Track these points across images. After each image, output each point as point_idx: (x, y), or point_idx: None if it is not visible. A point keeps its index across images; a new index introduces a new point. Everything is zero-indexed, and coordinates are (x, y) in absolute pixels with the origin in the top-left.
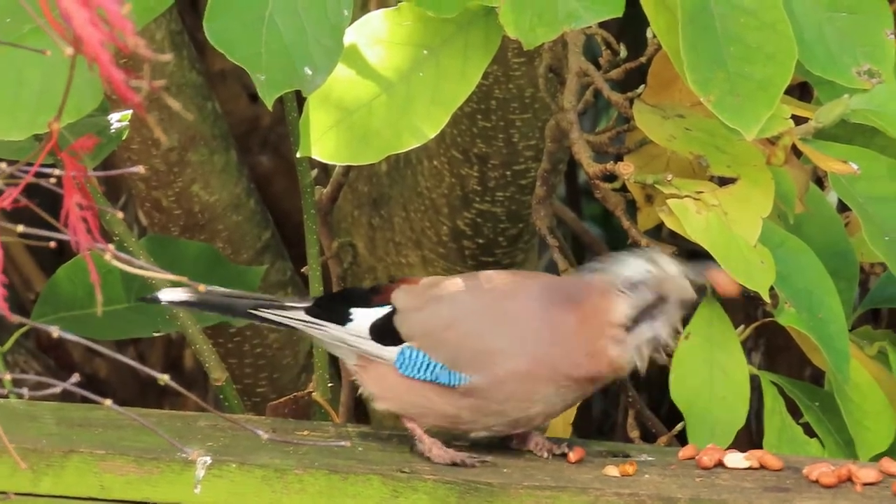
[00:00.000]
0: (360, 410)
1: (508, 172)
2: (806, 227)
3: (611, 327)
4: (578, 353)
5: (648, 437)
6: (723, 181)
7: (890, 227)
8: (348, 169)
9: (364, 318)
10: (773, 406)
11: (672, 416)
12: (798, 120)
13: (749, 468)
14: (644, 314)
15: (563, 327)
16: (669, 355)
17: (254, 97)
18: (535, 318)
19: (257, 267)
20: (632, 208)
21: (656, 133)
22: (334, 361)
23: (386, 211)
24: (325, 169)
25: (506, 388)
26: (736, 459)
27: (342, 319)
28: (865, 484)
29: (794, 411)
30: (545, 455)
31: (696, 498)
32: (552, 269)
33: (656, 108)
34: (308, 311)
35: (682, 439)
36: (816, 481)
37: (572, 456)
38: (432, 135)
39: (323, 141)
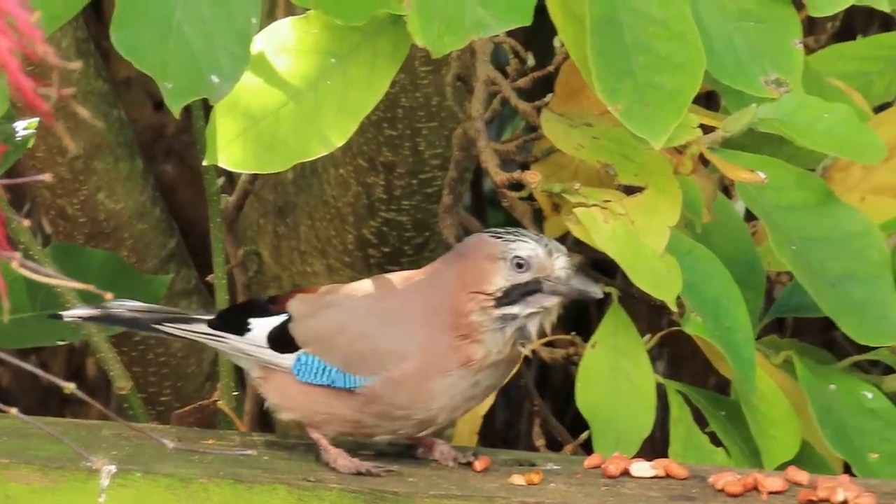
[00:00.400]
0: (264, 419)
1: (415, 181)
2: (713, 236)
3: (482, 293)
4: (448, 312)
5: (554, 445)
6: (630, 190)
7: (797, 237)
8: (254, 177)
9: (262, 327)
10: (679, 415)
11: (577, 424)
12: (706, 129)
13: (655, 477)
14: (517, 294)
15: (443, 282)
16: (530, 349)
17: (159, 105)
18: (417, 310)
19: (163, 276)
20: (539, 217)
21: (564, 142)
22: (239, 370)
23: (291, 219)
24: (231, 177)
25: (403, 388)
26: (642, 468)
27: (241, 330)
28: (771, 493)
29: (700, 420)
30: (450, 464)
31: None
32: None
33: (564, 117)
34: (210, 323)
35: (587, 448)
36: (722, 490)
37: (478, 465)
38: (340, 143)
39: (230, 149)
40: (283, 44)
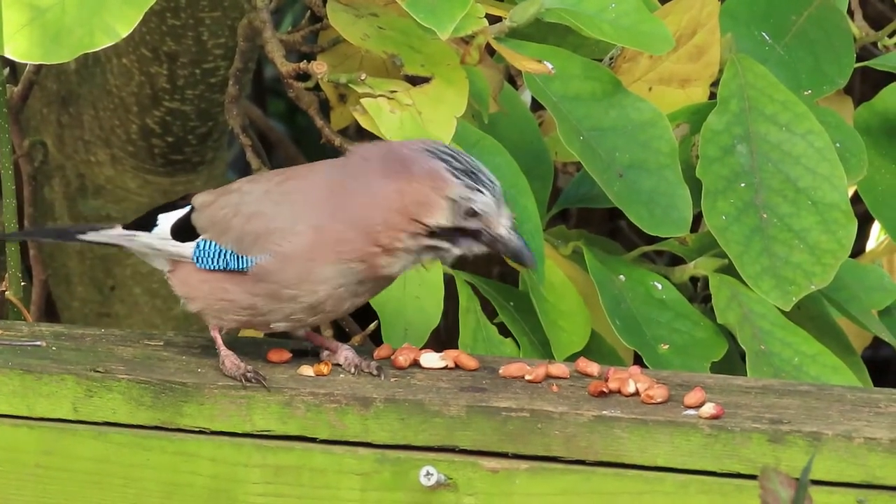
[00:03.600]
0: (51, 310)
1: (198, 71)
2: (500, 127)
3: (417, 223)
4: (377, 223)
5: (342, 336)
6: (416, 80)
7: (584, 127)
8: (39, 67)
9: (167, 221)
10: (468, 306)
11: (366, 315)
12: (492, 19)
13: (445, 368)
14: (453, 233)
15: (379, 188)
16: None
17: None
18: (320, 194)
19: None
20: (325, 107)
21: (349, 32)
22: (26, 260)
23: (75, 109)
24: (14, 67)
25: (291, 267)
26: (431, 359)
27: (149, 226)
28: (560, 382)
29: (490, 311)
30: (352, 371)
31: (391, 398)
32: (240, 165)
33: (349, 7)
34: (124, 225)
35: (376, 339)
36: (513, 380)
37: (382, 376)
38: (125, 33)
39: (16, 39)
40: None
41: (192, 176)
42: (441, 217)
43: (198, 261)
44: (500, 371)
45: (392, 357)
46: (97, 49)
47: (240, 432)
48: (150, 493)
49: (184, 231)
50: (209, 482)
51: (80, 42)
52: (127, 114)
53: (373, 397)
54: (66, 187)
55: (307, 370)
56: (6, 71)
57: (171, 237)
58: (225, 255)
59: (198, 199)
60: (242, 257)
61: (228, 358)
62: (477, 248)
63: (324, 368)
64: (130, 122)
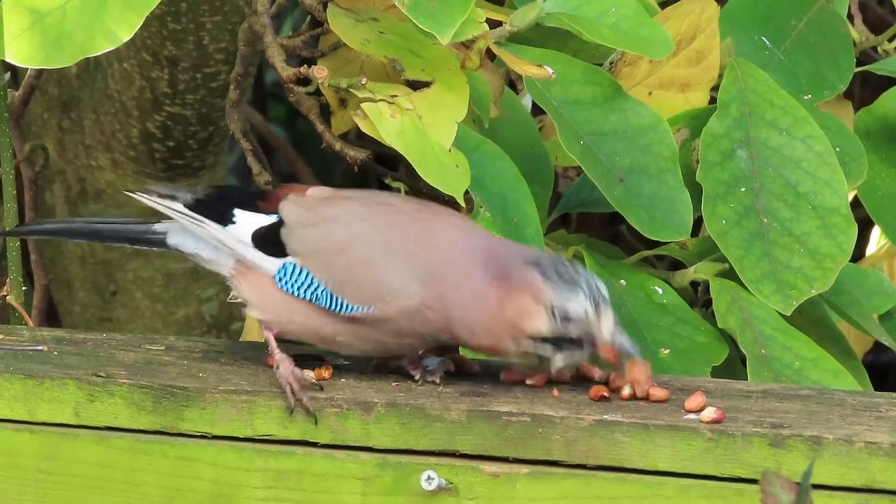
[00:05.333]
0: (52, 315)
1: (199, 75)
2: (501, 132)
3: (520, 332)
4: (478, 326)
5: None
6: (417, 85)
7: (585, 131)
8: (40, 72)
9: (247, 223)
10: None
11: None
12: (492, 24)
13: (446, 372)
14: (555, 342)
15: (481, 292)
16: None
17: None
18: (450, 264)
19: None
20: (326, 112)
21: (350, 37)
22: (27, 265)
23: (76, 113)
24: (15, 72)
25: (391, 322)
26: (432, 363)
27: (224, 220)
28: (561, 386)
29: None
30: (416, 379)
31: (392, 402)
32: (241, 170)
33: (350, 12)
34: (186, 204)
35: None
36: (514, 385)
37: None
38: (126, 38)
39: (17, 44)
40: None
41: (192, 180)
42: (541, 325)
43: (280, 281)
44: (501, 375)
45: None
46: (98, 53)
47: (241, 437)
48: (151, 498)
49: (268, 243)
50: (210, 487)
51: (81, 46)
52: (128, 118)
53: (374, 402)
54: (67, 192)
55: (308, 374)
56: (7, 75)
57: (251, 244)
58: (316, 290)
59: (289, 213)
60: (339, 300)
61: (284, 363)
62: (579, 356)
63: (325, 373)
64: (131, 126)
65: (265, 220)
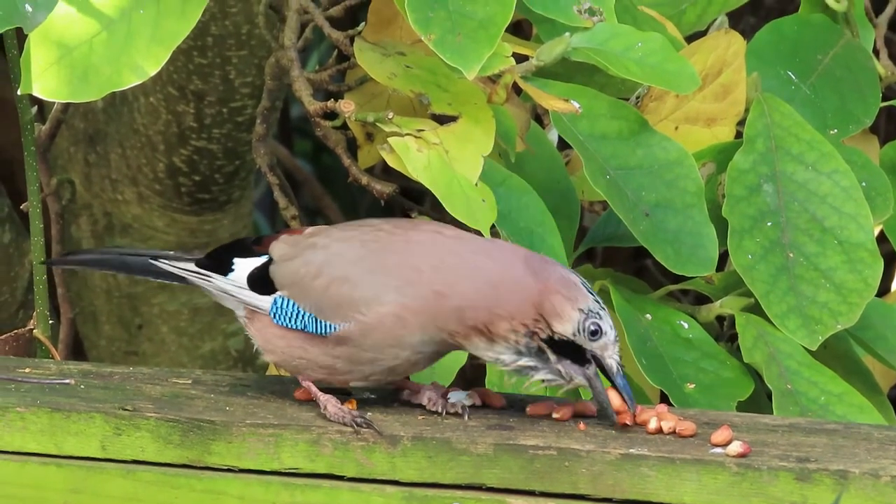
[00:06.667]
0: (78, 348)
1: (225, 109)
2: (527, 166)
3: (544, 323)
4: (509, 302)
5: None
6: (443, 119)
7: (611, 166)
8: (67, 106)
9: (244, 267)
10: None
11: None
12: (519, 58)
13: (472, 406)
14: (567, 351)
15: (513, 272)
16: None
17: None
18: (422, 259)
19: None
20: (352, 146)
21: (377, 71)
22: (53, 299)
23: (102, 147)
24: (42, 106)
25: (375, 335)
26: (458, 396)
27: (225, 269)
28: (587, 420)
29: None
30: (439, 410)
31: (419, 436)
32: (267, 204)
33: (377, 46)
34: (197, 262)
35: None
36: (540, 418)
37: (467, 416)
38: (153, 72)
39: (44, 78)
40: None
41: (218, 214)
42: (569, 326)
43: (275, 317)
44: (527, 409)
45: (418, 397)
46: (125, 88)
47: (268, 470)
48: None
49: (261, 283)
50: None
51: (107, 81)
52: (154, 152)
53: (400, 435)
54: (94, 225)
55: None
56: (34, 109)
57: (247, 287)
58: (303, 317)
59: (276, 250)
60: (321, 322)
61: (330, 402)
62: (577, 378)
63: (351, 407)
64: (157, 160)
65: (257, 261)
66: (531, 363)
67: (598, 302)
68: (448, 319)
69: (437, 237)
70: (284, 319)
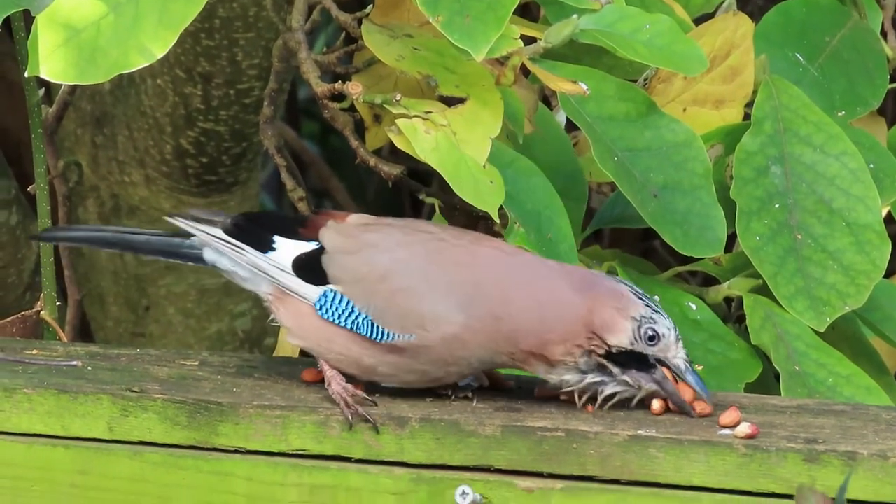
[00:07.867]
0: (85, 330)
1: (232, 91)
2: (535, 148)
3: (599, 344)
4: (553, 334)
5: None
6: (451, 101)
7: (619, 147)
8: (74, 88)
9: (288, 250)
10: None
11: None
12: (527, 40)
13: (480, 388)
14: (629, 360)
15: (562, 300)
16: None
17: None
18: (484, 277)
19: None
20: (360, 128)
21: (384, 53)
22: (60, 280)
23: (109, 129)
24: (48, 88)
25: (432, 351)
26: (467, 379)
27: (263, 246)
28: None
29: None
30: (448, 391)
31: (427, 418)
32: (274, 185)
33: (384, 28)
34: (224, 229)
35: None
36: (548, 400)
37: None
38: (160, 54)
39: (51, 60)
40: None
41: (226, 196)
42: (624, 337)
43: (320, 309)
44: (535, 391)
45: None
46: (132, 70)
47: (275, 451)
48: None
49: (309, 271)
50: (245, 501)
51: (115, 63)
52: (161, 134)
53: (408, 417)
54: (101, 208)
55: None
56: (41, 92)
57: (291, 271)
58: (357, 318)
59: (329, 240)
60: (378, 328)
61: (335, 379)
62: (645, 384)
63: (357, 389)
64: (164, 142)
65: (306, 246)
66: (597, 379)
67: (650, 306)
68: (506, 343)
69: (498, 254)
70: (332, 315)
